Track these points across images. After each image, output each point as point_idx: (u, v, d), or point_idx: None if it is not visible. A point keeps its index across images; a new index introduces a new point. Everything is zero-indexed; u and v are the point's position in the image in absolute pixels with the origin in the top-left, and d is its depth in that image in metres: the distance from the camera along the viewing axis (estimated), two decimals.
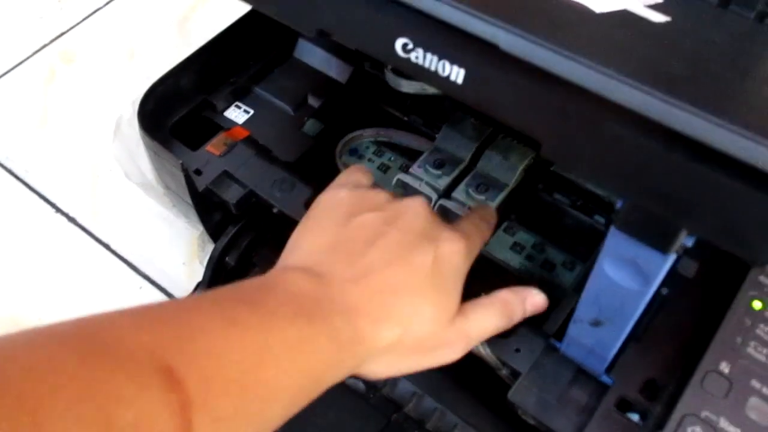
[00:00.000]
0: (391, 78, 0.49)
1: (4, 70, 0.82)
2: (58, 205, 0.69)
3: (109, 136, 0.56)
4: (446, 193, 0.47)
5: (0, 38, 0.86)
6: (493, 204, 0.46)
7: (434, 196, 0.47)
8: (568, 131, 0.25)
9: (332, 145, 0.54)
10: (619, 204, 0.27)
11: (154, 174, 0.55)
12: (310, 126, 0.55)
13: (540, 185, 0.50)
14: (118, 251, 0.66)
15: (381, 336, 0.31)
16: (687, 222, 0.24)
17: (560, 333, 0.38)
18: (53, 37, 0.86)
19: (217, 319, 0.27)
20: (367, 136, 0.56)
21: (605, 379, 0.37)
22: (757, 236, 0.22)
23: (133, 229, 0.67)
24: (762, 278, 0.36)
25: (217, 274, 0.53)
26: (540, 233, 0.49)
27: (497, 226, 0.49)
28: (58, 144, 0.75)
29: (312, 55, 0.57)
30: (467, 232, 0.36)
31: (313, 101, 0.55)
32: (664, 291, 0.39)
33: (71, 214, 0.69)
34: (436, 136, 0.50)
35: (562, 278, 0.47)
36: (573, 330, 0.36)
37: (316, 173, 0.50)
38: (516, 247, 0.48)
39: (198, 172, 0.48)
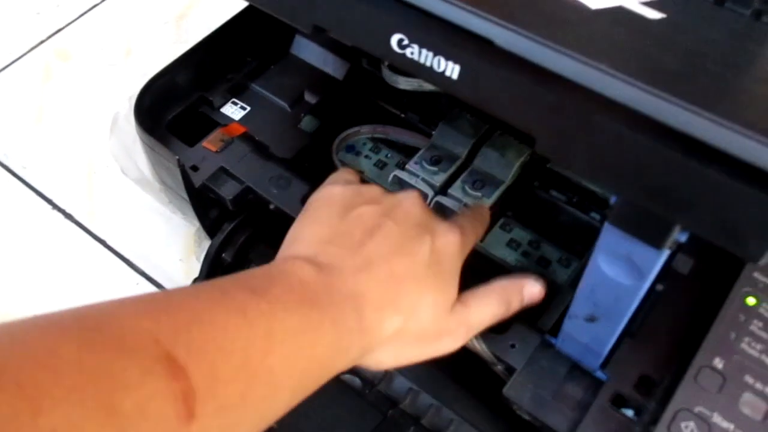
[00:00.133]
0: (388, 75, 0.49)
1: (1, 67, 0.82)
2: (55, 201, 0.69)
3: (105, 133, 0.56)
4: (442, 189, 0.48)
5: None
6: (490, 201, 0.46)
7: (430, 193, 0.47)
8: (562, 127, 0.25)
9: (329, 142, 0.54)
10: (613, 200, 0.27)
11: (150, 170, 0.55)
12: (307, 123, 0.55)
13: (536, 182, 0.51)
14: (115, 247, 0.66)
15: (385, 324, 0.32)
16: (680, 218, 0.24)
17: (555, 329, 0.38)
18: (50, 33, 0.86)
19: (220, 306, 0.27)
20: (363, 132, 0.56)
21: (600, 374, 0.37)
22: (750, 232, 0.23)
23: (129, 226, 0.67)
24: (756, 274, 0.36)
25: (214, 271, 0.53)
26: (536, 230, 0.49)
27: (493, 223, 0.49)
28: (55, 141, 0.75)
29: (309, 51, 0.57)
30: (461, 225, 0.36)
31: (309, 98, 0.55)
32: (659, 287, 0.39)
33: (68, 211, 0.69)
34: (433, 132, 0.50)
35: (558, 275, 0.47)
36: (568, 326, 0.36)
37: (312, 170, 0.50)
38: (512, 244, 0.49)
39: (195, 168, 0.48)
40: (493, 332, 0.39)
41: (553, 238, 0.49)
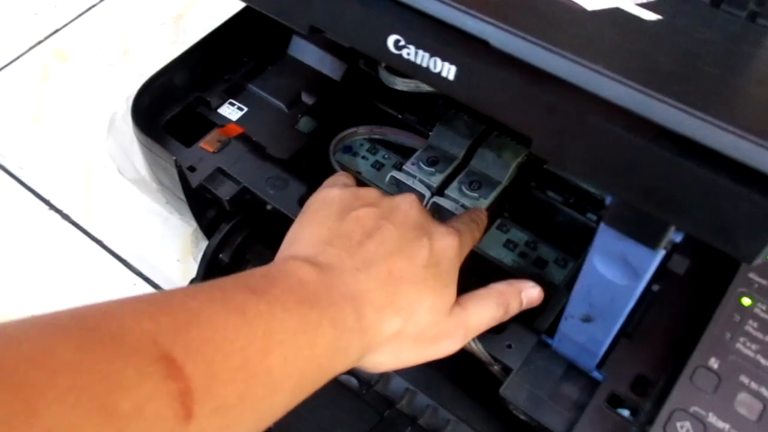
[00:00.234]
0: (385, 76, 0.49)
1: None
2: (52, 201, 0.69)
3: (102, 133, 0.56)
4: (439, 190, 0.48)
5: None
6: (486, 201, 0.46)
7: (427, 194, 0.47)
8: (558, 128, 0.25)
9: (326, 143, 0.54)
10: (608, 200, 0.27)
11: (147, 170, 0.55)
12: (304, 123, 0.55)
13: (533, 183, 0.51)
14: (112, 248, 0.66)
15: (385, 324, 0.32)
16: (674, 218, 0.24)
17: (552, 329, 0.38)
18: (47, 34, 0.86)
19: (219, 306, 0.27)
20: (360, 133, 0.56)
21: (596, 375, 0.37)
22: (744, 233, 0.23)
23: (126, 226, 0.67)
24: (751, 275, 0.36)
25: (211, 271, 0.53)
26: (533, 231, 0.49)
27: (490, 224, 0.49)
28: (52, 141, 0.75)
29: (306, 52, 0.58)
30: (459, 229, 0.37)
31: (307, 98, 0.55)
32: (655, 287, 0.39)
33: (65, 211, 0.69)
34: (430, 133, 0.50)
35: (555, 275, 0.47)
36: (564, 326, 0.36)
37: (309, 170, 0.50)
38: (509, 245, 0.49)
39: (192, 168, 0.48)
40: (490, 332, 0.39)
41: (549, 238, 0.49)
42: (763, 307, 0.35)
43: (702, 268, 0.40)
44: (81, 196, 0.70)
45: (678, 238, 0.27)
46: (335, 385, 0.46)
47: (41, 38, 0.85)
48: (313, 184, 0.45)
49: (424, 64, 0.28)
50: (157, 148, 0.49)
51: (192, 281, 0.55)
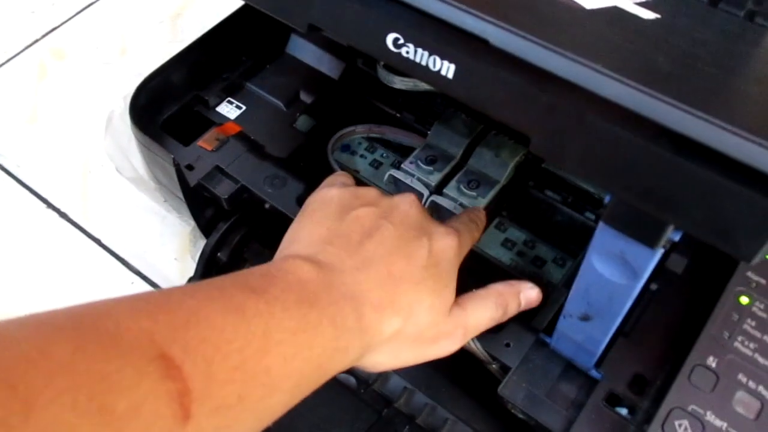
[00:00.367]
0: (383, 74, 0.49)
1: None
2: (50, 200, 0.69)
3: (100, 132, 0.56)
4: (438, 189, 0.48)
5: None
6: (485, 200, 0.46)
7: (426, 192, 0.47)
8: (557, 126, 0.25)
9: (324, 141, 0.54)
10: (607, 199, 0.27)
11: (145, 169, 0.55)
12: (303, 122, 0.55)
13: (531, 182, 0.51)
14: (110, 246, 0.66)
15: (384, 324, 0.31)
16: (673, 217, 0.24)
17: (550, 328, 0.38)
18: (45, 32, 0.86)
19: (218, 305, 0.26)
20: (359, 132, 0.56)
21: (594, 373, 0.37)
22: (742, 231, 0.23)
23: (124, 225, 0.67)
24: (749, 274, 0.36)
25: (209, 270, 0.53)
26: (531, 230, 0.49)
27: (488, 223, 0.49)
28: (50, 139, 0.74)
29: (304, 51, 0.58)
30: (458, 229, 0.37)
31: (305, 97, 0.55)
32: (653, 286, 0.39)
33: (62, 210, 0.68)
34: (428, 132, 0.50)
35: (553, 274, 0.47)
36: (562, 325, 0.36)
37: (308, 169, 0.50)
38: (507, 244, 0.49)
39: (190, 167, 0.48)
40: (488, 331, 0.39)
41: (547, 237, 0.49)
42: (761, 306, 0.35)
43: (700, 267, 0.40)
44: (78, 194, 0.70)
45: (676, 237, 0.27)
46: (333, 384, 0.46)
47: (38, 36, 0.85)
48: (311, 183, 0.45)
49: (423, 63, 0.28)
50: (155, 147, 0.49)
51: (190, 280, 0.55)
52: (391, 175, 0.49)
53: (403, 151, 0.55)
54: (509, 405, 0.37)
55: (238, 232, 0.53)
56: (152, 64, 0.53)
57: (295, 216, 0.37)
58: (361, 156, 0.55)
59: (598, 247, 0.30)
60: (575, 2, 0.31)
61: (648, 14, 0.32)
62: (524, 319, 0.39)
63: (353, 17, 0.30)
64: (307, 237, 0.34)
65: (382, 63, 0.50)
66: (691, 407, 0.33)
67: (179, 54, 0.54)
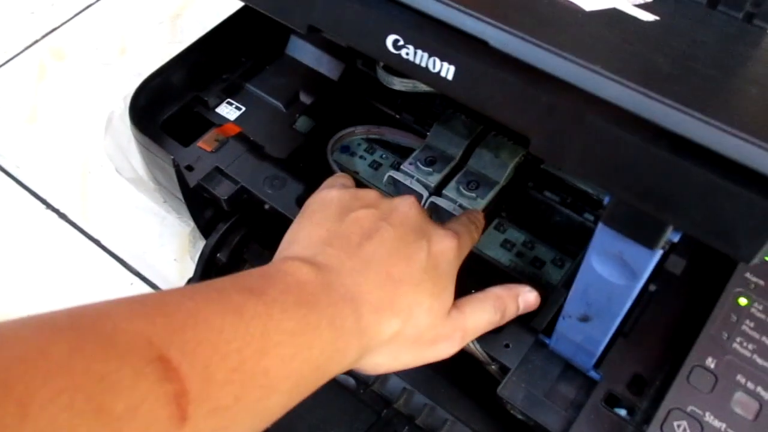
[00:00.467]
0: (382, 75, 0.49)
1: None
2: (49, 201, 0.69)
3: (99, 133, 0.56)
4: (437, 190, 0.48)
5: None
6: (484, 201, 0.46)
7: (425, 194, 0.47)
8: (556, 127, 0.25)
9: (324, 142, 0.54)
10: (606, 200, 0.27)
11: (145, 170, 0.55)
12: (302, 123, 0.55)
13: (530, 183, 0.51)
14: (109, 247, 0.66)
15: (383, 326, 0.31)
16: (672, 218, 0.24)
17: (549, 329, 0.38)
18: (44, 32, 0.86)
19: (216, 307, 0.26)
20: (358, 133, 0.56)
21: (593, 374, 0.37)
22: (742, 233, 0.23)
23: (123, 225, 0.67)
24: (748, 275, 0.36)
25: (208, 271, 0.53)
26: (530, 231, 0.49)
27: (488, 223, 0.49)
28: (49, 140, 0.74)
29: (304, 52, 0.58)
30: (457, 231, 0.37)
31: (304, 98, 0.55)
32: (652, 287, 0.39)
33: (62, 210, 0.68)
34: (428, 133, 0.50)
35: (552, 275, 0.47)
36: (562, 326, 0.36)
37: (307, 170, 0.50)
38: (506, 245, 0.49)
39: (189, 168, 0.48)
40: (488, 332, 0.39)
41: (547, 238, 0.49)
42: (760, 307, 0.35)
43: (699, 268, 0.40)
44: (78, 195, 0.70)
45: (675, 237, 0.27)
46: (333, 385, 0.46)
47: (38, 37, 0.85)
48: (310, 184, 0.45)
49: (423, 64, 0.28)
50: (155, 148, 0.49)
51: (189, 281, 0.55)
52: (390, 176, 0.49)
53: (402, 152, 0.55)
54: (508, 406, 0.37)
55: (237, 233, 0.53)
56: (152, 65, 0.53)
57: (294, 217, 0.37)
58: (361, 157, 0.55)
59: (597, 247, 0.30)
60: (574, 4, 0.31)
61: (647, 16, 0.32)
62: (523, 320, 0.40)
63: (353, 18, 0.30)
64: (306, 238, 0.34)
65: (381, 64, 0.50)
66: (690, 408, 0.33)
67: (179, 55, 0.54)
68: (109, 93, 0.77)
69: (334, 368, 0.30)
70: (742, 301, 0.36)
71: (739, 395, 0.33)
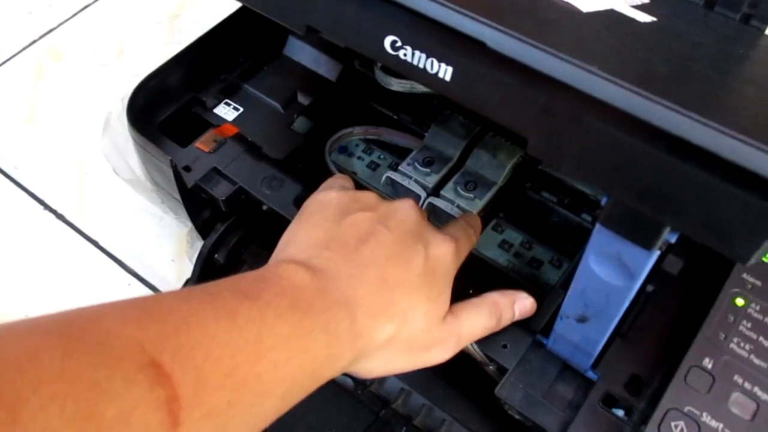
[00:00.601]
0: (380, 76, 0.50)
1: None
2: (47, 201, 0.69)
3: (97, 133, 0.56)
4: (435, 191, 0.48)
5: None
6: (482, 202, 0.46)
7: (423, 194, 0.47)
8: (554, 128, 0.25)
9: (322, 143, 0.55)
10: (604, 201, 0.27)
11: (143, 170, 0.55)
12: (300, 123, 0.55)
13: (528, 183, 0.51)
14: (107, 248, 0.66)
15: (378, 330, 0.31)
16: (669, 219, 0.24)
17: (547, 329, 0.38)
18: (42, 33, 0.86)
19: (209, 311, 0.26)
20: (356, 134, 0.56)
21: (591, 374, 0.37)
22: (738, 233, 0.23)
23: (121, 226, 0.67)
24: (745, 275, 0.36)
25: (206, 272, 0.53)
26: (528, 231, 0.49)
27: (485, 224, 0.49)
28: (47, 141, 0.74)
29: (302, 52, 0.58)
30: (456, 236, 0.36)
31: (302, 99, 0.55)
32: (649, 288, 0.40)
33: (59, 211, 0.68)
34: (425, 134, 0.51)
35: (549, 276, 0.47)
36: (559, 326, 0.36)
37: (305, 171, 0.50)
38: (504, 245, 0.49)
39: (187, 168, 0.48)
40: None
41: (544, 239, 0.49)
42: (757, 308, 0.35)
43: (696, 268, 0.40)
44: (75, 196, 0.70)
45: (673, 238, 0.27)
46: (331, 385, 0.46)
47: (36, 37, 0.85)
48: (308, 185, 0.45)
49: (421, 65, 0.28)
50: (153, 148, 0.49)
51: (187, 281, 0.55)
52: (388, 176, 0.49)
53: (400, 153, 0.55)
54: (506, 406, 0.37)
55: (235, 234, 0.53)
56: (150, 66, 0.53)
57: (292, 217, 0.37)
58: (359, 158, 0.55)
59: (594, 248, 0.30)
60: (572, 5, 0.31)
61: (644, 17, 0.32)
62: (521, 320, 0.40)
63: (351, 19, 0.30)
64: (303, 240, 0.34)
65: (379, 65, 0.50)
66: (687, 408, 0.33)
67: (177, 55, 0.54)
68: (106, 94, 0.77)
69: (328, 372, 0.30)
70: (739, 301, 0.36)
71: (736, 395, 0.33)
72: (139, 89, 0.52)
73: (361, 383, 0.46)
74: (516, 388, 0.37)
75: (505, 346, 0.39)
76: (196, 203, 0.51)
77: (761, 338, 0.34)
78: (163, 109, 0.52)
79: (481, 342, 0.38)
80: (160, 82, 0.53)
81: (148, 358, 0.23)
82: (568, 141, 0.25)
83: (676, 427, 0.32)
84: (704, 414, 0.33)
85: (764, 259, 0.37)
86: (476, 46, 0.26)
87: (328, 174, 0.52)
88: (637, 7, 0.33)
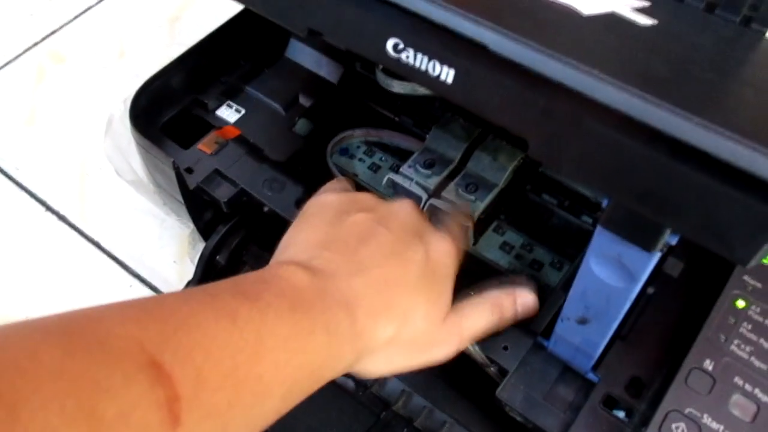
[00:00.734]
0: (382, 78, 0.50)
1: None
2: (48, 203, 0.69)
3: (99, 135, 0.56)
4: (436, 192, 0.48)
5: None
6: (483, 204, 0.46)
7: (424, 196, 0.47)
8: (555, 131, 0.25)
9: (323, 145, 0.55)
10: (604, 203, 0.28)
11: (145, 172, 0.55)
12: (301, 126, 0.55)
13: (529, 186, 0.51)
14: (109, 249, 0.66)
15: (379, 331, 0.31)
16: (670, 221, 0.24)
17: (548, 331, 0.38)
18: (43, 35, 0.86)
19: (209, 312, 0.26)
20: (357, 136, 0.56)
21: (591, 376, 0.37)
22: (739, 235, 0.23)
23: (123, 227, 0.67)
24: (746, 277, 0.37)
25: (208, 273, 0.53)
26: (529, 233, 0.49)
27: (486, 226, 0.49)
28: (48, 142, 0.75)
29: (303, 55, 0.58)
30: (453, 234, 0.37)
31: (304, 101, 0.56)
32: (650, 290, 0.40)
33: (61, 212, 0.69)
34: (427, 136, 0.51)
35: (550, 278, 0.47)
36: (560, 328, 0.36)
37: (306, 173, 0.50)
38: (505, 247, 0.49)
39: (189, 170, 0.48)
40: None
41: (545, 241, 0.49)
42: (757, 310, 0.35)
43: (696, 270, 0.40)
44: (77, 197, 0.70)
45: (673, 240, 0.27)
46: (331, 387, 0.46)
47: (37, 40, 0.85)
48: (310, 186, 0.45)
49: (423, 68, 0.28)
50: (155, 150, 0.49)
51: (189, 283, 0.55)
52: (389, 178, 0.49)
53: (401, 155, 0.55)
54: (507, 408, 0.37)
55: (237, 235, 0.53)
56: (151, 68, 0.53)
57: (293, 219, 0.37)
58: (360, 160, 0.55)
59: (595, 250, 0.30)
60: (573, 8, 0.31)
61: (645, 20, 0.32)
62: (522, 322, 0.40)
63: (353, 22, 0.30)
64: (303, 241, 0.34)
65: (380, 67, 0.50)
66: (687, 410, 0.33)
67: (179, 57, 0.54)
68: (107, 95, 0.77)
69: (329, 373, 0.30)
70: (740, 303, 0.36)
71: (736, 397, 0.33)
72: (142, 91, 0.52)
73: (361, 385, 0.46)
74: (517, 390, 0.37)
75: (505, 348, 0.39)
76: (198, 205, 0.51)
77: (762, 340, 0.34)
78: (166, 110, 0.53)
79: (482, 344, 0.38)
80: (163, 84, 0.53)
81: (148, 358, 0.23)
82: (569, 143, 0.25)
83: (676, 428, 0.33)
84: (705, 416, 0.33)
85: (765, 261, 0.37)
86: (478, 48, 0.26)
87: (330, 176, 0.52)
88: (637, 9, 0.33)
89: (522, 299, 0.38)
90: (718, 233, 0.23)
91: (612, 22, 0.32)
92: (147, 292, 0.63)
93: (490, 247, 0.49)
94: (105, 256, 0.65)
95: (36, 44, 0.85)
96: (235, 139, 0.51)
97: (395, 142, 0.56)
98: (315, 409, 0.45)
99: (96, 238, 0.67)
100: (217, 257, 0.53)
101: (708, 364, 0.34)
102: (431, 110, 0.54)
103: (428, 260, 0.34)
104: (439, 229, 0.37)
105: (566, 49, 0.25)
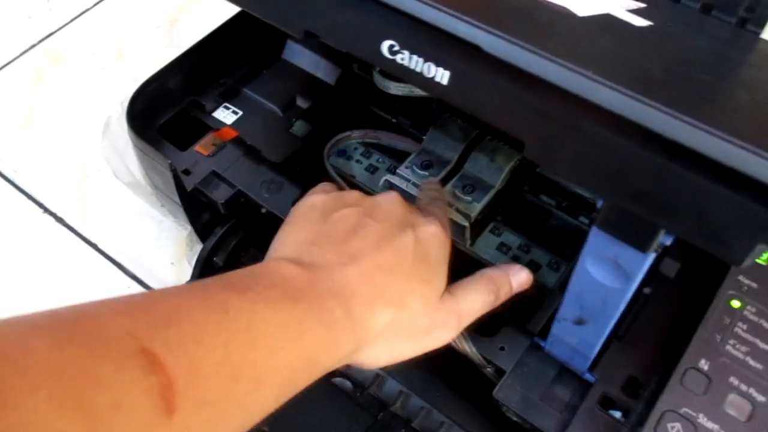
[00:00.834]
0: (379, 80, 0.50)
1: None
2: (46, 205, 0.69)
3: (97, 137, 0.56)
4: None
5: None
6: (480, 205, 0.46)
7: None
8: (550, 132, 0.26)
9: (320, 146, 0.55)
10: (599, 204, 0.28)
11: (142, 174, 0.55)
12: (299, 127, 0.55)
13: (526, 186, 0.51)
14: (106, 251, 0.66)
15: (376, 317, 0.32)
16: (664, 221, 0.25)
17: (544, 332, 0.39)
18: (41, 37, 0.86)
19: (199, 303, 0.27)
20: (355, 137, 0.56)
21: (588, 377, 0.37)
22: (733, 236, 0.23)
23: (121, 229, 0.67)
24: (740, 278, 0.37)
25: (205, 274, 0.53)
26: (525, 234, 0.50)
27: (484, 227, 0.49)
28: (46, 144, 0.75)
29: (301, 56, 0.58)
30: (438, 216, 0.37)
31: (301, 102, 0.56)
32: (646, 290, 0.40)
33: (59, 214, 0.69)
34: (424, 137, 0.51)
35: (547, 278, 0.47)
36: (557, 329, 0.36)
37: (304, 174, 0.50)
38: (502, 248, 0.49)
39: (186, 172, 0.48)
40: (483, 335, 0.39)
41: (542, 241, 0.49)
42: (753, 310, 0.36)
43: (692, 271, 0.40)
44: (75, 199, 0.70)
45: (668, 241, 0.27)
46: (329, 388, 0.46)
47: (35, 41, 0.85)
48: (307, 188, 0.45)
49: (418, 69, 0.29)
50: (152, 152, 0.49)
51: None
52: (386, 180, 0.49)
53: (398, 156, 0.55)
54: (504, 408, 0.37)
55: (234, 237, 0.53)
56: (149, 69, 0.53)
57: None
58: (357, 161, 0.55)
59: (591, 251, 0.30)
60: (568, 10, 0.31)
61: (640, 21, 0.32)
62: (519, 322, 0.40)
63: (349, 24, 0.30)
64: (292, 241, 0.35)
65: (378, 68, 0.50)
66: (683, 410, 0.33)
67: (176, 59, 0.54)
68: (106, 97, 0.77)
69: (328, 361, 0.30)
70: (735, 303, 0.36)
71: (732, 397, 0.33)
72: (139, 93, 0.52)
73: (359, 386, 0.46)
74: (514, 391, 0.37)
75: (502, 349, 0.39)
76: (196, 206, 0.52)
77: (757, 340, 0.35)
78: (163, 112, 0.53)
79: (479, 344, 0.39)
80: (160, 86, 0.53)
81: (140, 347, 0.23)
82: (564, 145, 0.25)
83: (672, 428, 0.33)
84: (700, 415, 0.33)
85: (759, 261, 0.37)
86: (473, 50, 0.26)
87: (327, 177, 0.52)
88: (633, 11, 0.33)
89: (516, 275, 0.38)
90: (711, 233, 0.23)
91: (607, 23, 0.32)
92: None
93: (488, 248, 0.49)
94: (103, 258, 0.65)
95: (34, 46, 0.85)
96: (233, 140, 0.51)
97: (393, 143, 0.56)
98: (313, 409, 0.45)
99: (94, 240, 0.67)
100: (215, 259, 0.53)
101: (704, 364, 0.34)
102: (428, 111, 0.54)
103: (418, 244, 0.34)
104: (423, 212, 0.37)
105: (561, 50, 0.25)
